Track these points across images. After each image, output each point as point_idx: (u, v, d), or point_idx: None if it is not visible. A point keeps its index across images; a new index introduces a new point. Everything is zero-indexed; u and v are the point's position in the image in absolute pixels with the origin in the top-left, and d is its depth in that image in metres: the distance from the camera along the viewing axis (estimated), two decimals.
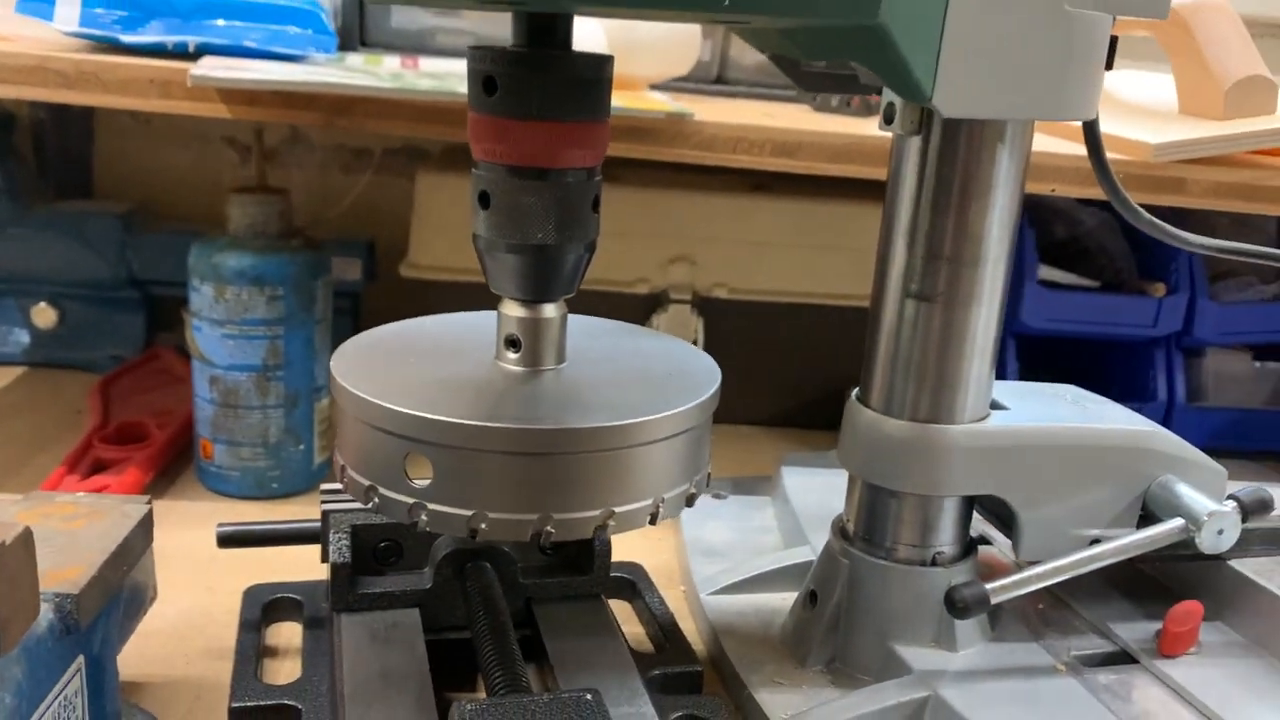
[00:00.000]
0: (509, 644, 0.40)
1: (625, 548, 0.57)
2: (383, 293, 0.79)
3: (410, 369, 0.39)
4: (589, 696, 0.34)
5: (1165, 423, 0.77)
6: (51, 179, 0.82)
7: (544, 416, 0.36)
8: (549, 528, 0.35)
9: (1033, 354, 0.78)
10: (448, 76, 0.60)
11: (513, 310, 0.39)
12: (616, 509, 0.36)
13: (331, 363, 0.38)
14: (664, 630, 0.49)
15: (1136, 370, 0.78)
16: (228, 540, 0.47)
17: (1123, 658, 0.46)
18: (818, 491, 0.58)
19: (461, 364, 0.39)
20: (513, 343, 0.39)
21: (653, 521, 0.37)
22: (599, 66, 0.37)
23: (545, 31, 0.36)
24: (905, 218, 0.43)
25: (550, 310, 0.39)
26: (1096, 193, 0.60)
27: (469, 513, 0.35)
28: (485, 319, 0.41)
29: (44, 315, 0.78)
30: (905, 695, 0.42)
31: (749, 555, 0.55)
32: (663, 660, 0.47)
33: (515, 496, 0.35)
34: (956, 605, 0.43)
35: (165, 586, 0.47)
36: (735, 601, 0.51)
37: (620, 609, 0.53)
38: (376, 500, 0.36)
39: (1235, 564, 0.48)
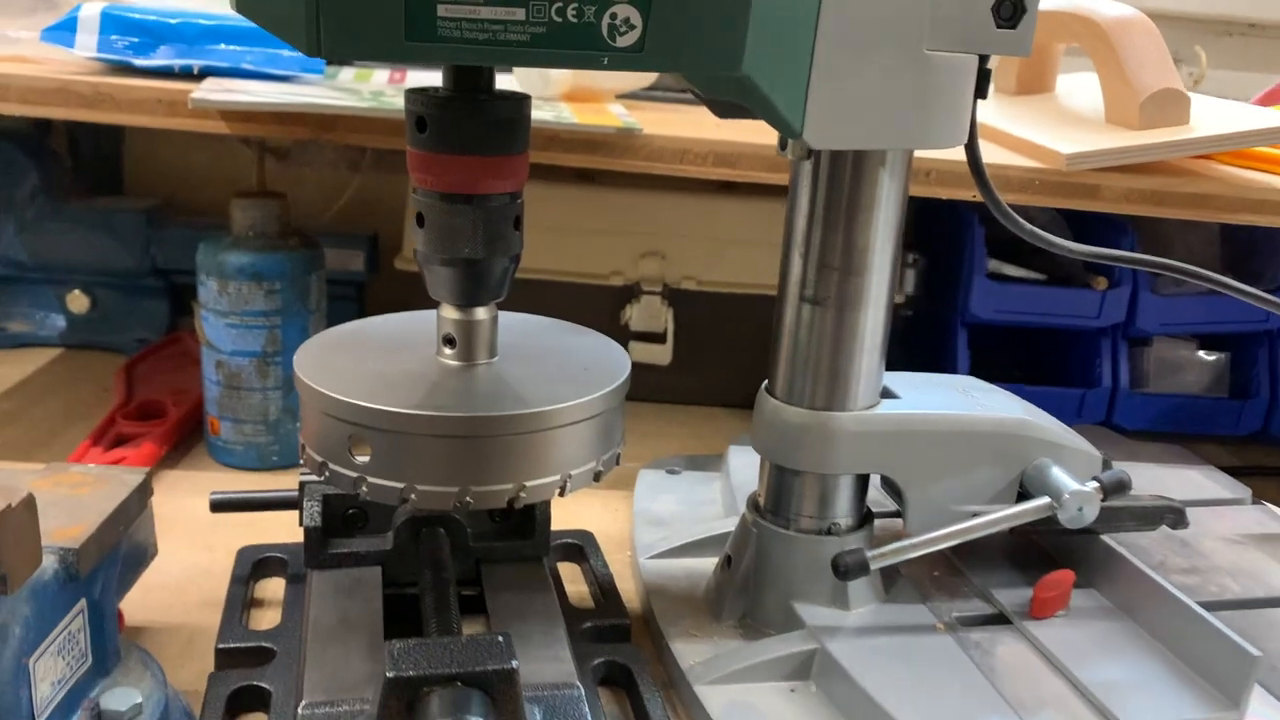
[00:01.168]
0: (447, 597, 0.46)
1: (584, 517, 0.64)
2: (385, 282, 0.86)
3: (360, 363, 0.45)
4: (500, 639, 0.41)
5: (1110, 408, 0.83)
6: (85, 177, 0.90)
7: (469, 405, 0.42)
8: (467, 498, 0.42)
9: (987, 343, 0.83)
10: None
11: (449, 313, 0.45)
12: (527, 483, 0.42)
13: (295, 357, 0.45)
14: (603, 589, 0.56)
15: (1084, 358, 0.83)
16: (219, 506, 0.54)
17: (999, 619, 0.52)
18: (758, 469, 0.64)
19: (407, 358, 0.46)
20: (449, 341, 0.46)
21: (561, 494, 0.44)
22: (517, 107, 0.43)
23: (470, 78, 0.42)
24: (800, 232, 0.49)
25: (481, 313, 0.45)
26: (1014, 197, 0.66)
27: (400, 485, 0.42)
28: (435, 318, 0.47)
29: (77, 301, 0.86)
30: (796, 647, 0.49)
31: (689, 525, 0.62)
32: (597, 614, 0.54)
33: (439, 472, 0.42)
34: (839, 569, 0.49)
35: (171, 546, 0.55)
36: (669, 565, 0.58)
37: (570, 570, 0.60)
38: (328, 474, 0.43)
39: (1107, 538, 0.54)
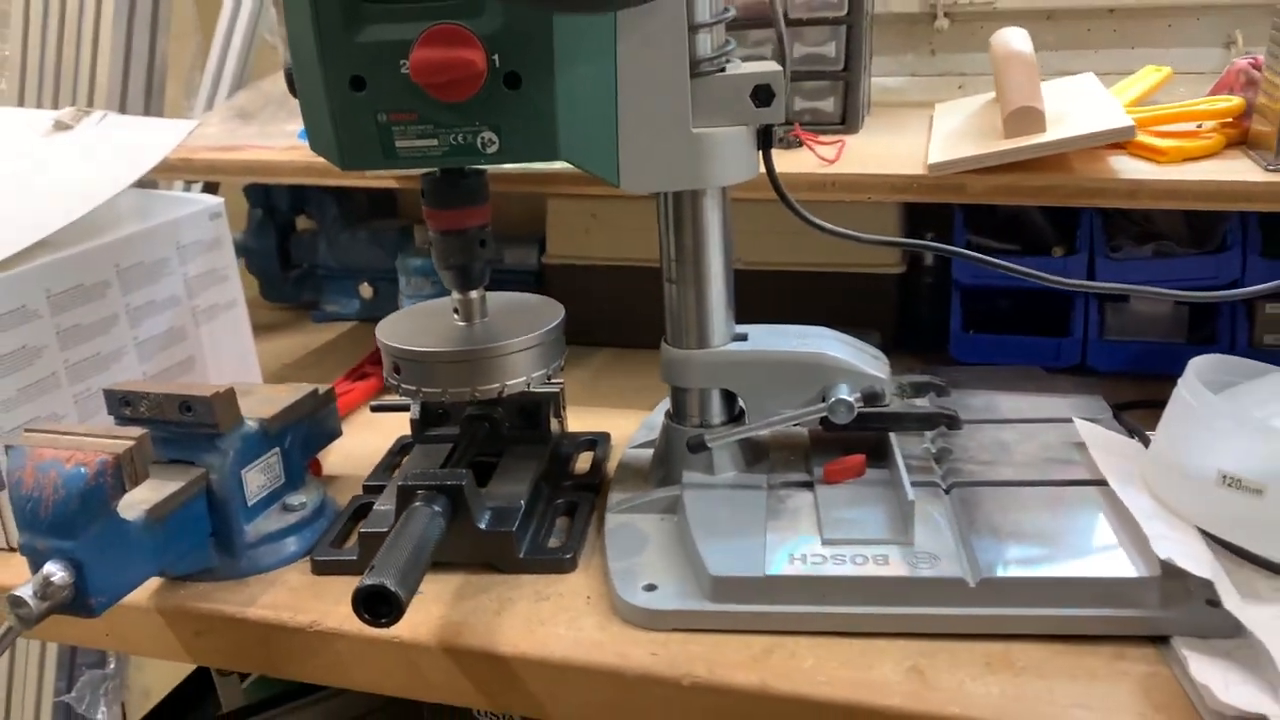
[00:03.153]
0: (465, 456, 0.82)
1: (615, 425, 0.96)
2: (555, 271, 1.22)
3: (410, 324, 0.82)
4: (463, 471, 0.75)
5: (1083, 354, 1.02)
6: (373, 205, 1.34)
7: (451, 345, 0.77)
8: (445, 397, 0.77)
9: (982, 303, 1.05)
10: None
11: (455, 295, 0.80)
12: (479, 388, 0.77)
13: (379, 324, 0.82)
14: (594, 465, 0.89)
15: (1058, 312, 1.03)
16: (376, 409, 0.93)
17: (806, 484, 0.78)
18: None
19: (437, 321, 0.82)
20: (456, 310, 0.81)
21: (500, 395, 0.77)
22: (477, 180, 0.77)
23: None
24: (662, 239, 0.78)
25: (473, 294, 0.80)
26: (904, 197, 0.90)
27: (415, 388, 0.77)
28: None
29: (365, 290, 1.30)
30: (668, 493, 0.79)
31: None
32: (583, 478, 0.87)
33: (433, 382, 0.77)
34: (689, 446, 0.78)
35: (362, 433, 0.95)
36: (641, 452, 0.89)
37: (587, 457, 0.93)
38: (391, 383, 0.80)
39: (892, 435, 0.78)
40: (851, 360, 0.78)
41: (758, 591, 0.68)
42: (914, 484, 0.75)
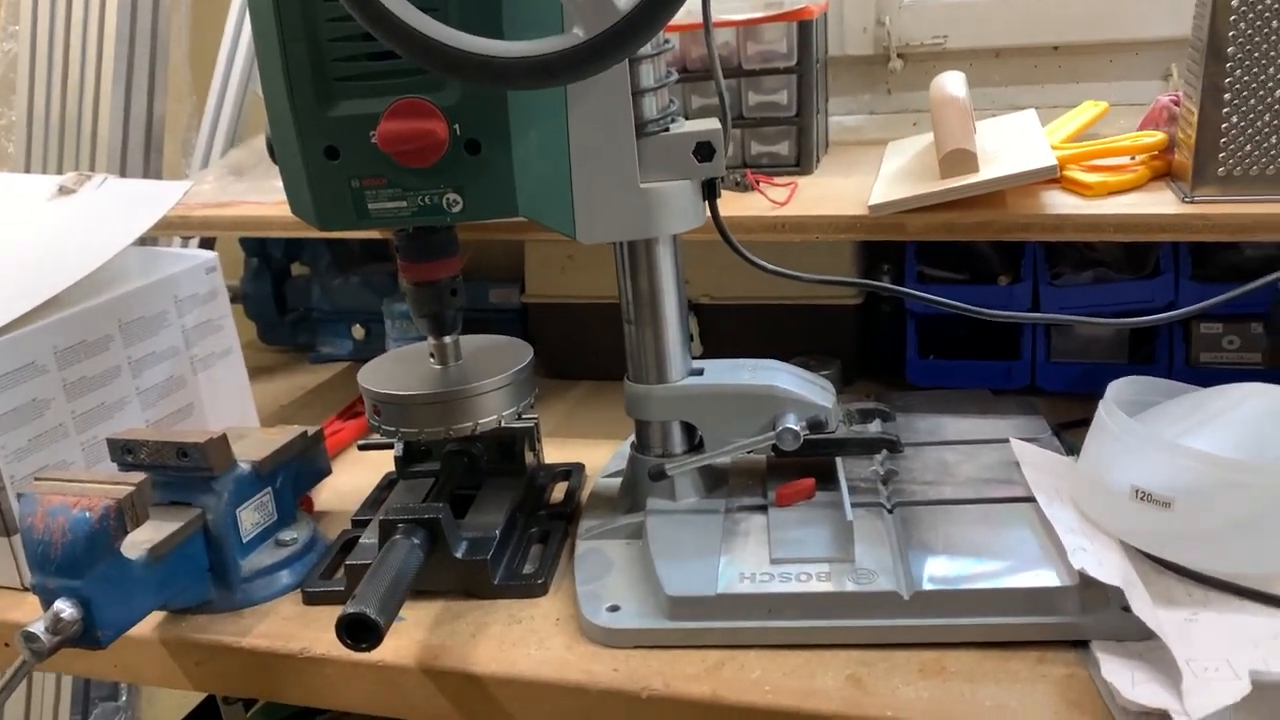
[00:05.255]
0: (445, 491, 0.87)
1: (589, 456, 1.02)
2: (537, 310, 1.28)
3: (390, 368, 0.88)
4: (440, 505, 0.81)
5: (1031, 376, 1.08)
6: (365, 253, 1.41)
7: (426, 388, 0.83)
8: (422, 436, 0.83)
9: (937, 329, 1.11)
10: None
11: (431, 340, 0.86)
12: (453, 427, 0.83)
13: (361, 369, 0.88)
14: (568, 494, 0.95)
15: (1008, 337, 1.08)
16: (364, 447, 0.99)
17: (761, 507, 0.84)
18: None
19: (415, 364, 0.88)
20: (432, 354, 0.87)
21: (473, 433, 0.83)
22: (448, 233, 0.83)
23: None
24: (620, 282, 0.85)
25: (447, 339, 0.86)
26: (849, 236, 0.96)
27: (394, 429, 0.83)
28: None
29: (358, 331, 1.37)
30: (634, 519, 0.85)
31: None
32: (557, 506, 0.93)
33: (410, 422, 0.83)
34: (650, 475, 0.84)
35: (352, 470, 1.01)
36: (612, 482, 0.95)
37: (562, 487, 0.98)
38: (373, 424, 0.86)
39: (838, 459, 0.84)
40: (799, 391, 0.84)
41: (710, 609, 0.74)
42: (860, 504, 0.81)
